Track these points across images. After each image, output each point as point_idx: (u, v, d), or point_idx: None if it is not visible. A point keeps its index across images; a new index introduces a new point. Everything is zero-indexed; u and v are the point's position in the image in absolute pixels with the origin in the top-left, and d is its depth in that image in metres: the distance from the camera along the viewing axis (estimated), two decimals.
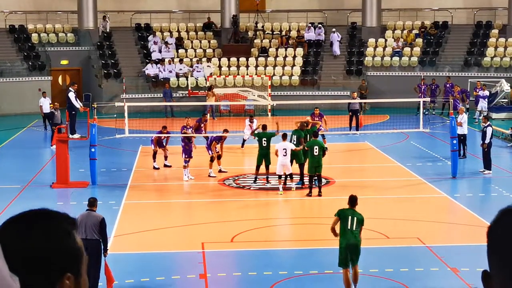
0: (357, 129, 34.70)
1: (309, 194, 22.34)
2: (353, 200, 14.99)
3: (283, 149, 22.89)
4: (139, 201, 22.44)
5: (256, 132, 25.54)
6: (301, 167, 23.86)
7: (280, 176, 23.04)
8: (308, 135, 24.23)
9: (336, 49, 45.51)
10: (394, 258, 16.96)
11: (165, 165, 26.77)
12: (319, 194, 22.37)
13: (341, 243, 14.44)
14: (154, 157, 26.57)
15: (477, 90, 38.91)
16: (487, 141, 25.18)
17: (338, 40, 45.57)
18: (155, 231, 19.22)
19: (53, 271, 2.02)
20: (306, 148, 22.96)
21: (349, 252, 14.39)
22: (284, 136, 23.36)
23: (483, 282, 2.03)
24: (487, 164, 25.37)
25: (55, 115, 31.16)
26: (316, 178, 22.53)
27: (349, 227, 14.42)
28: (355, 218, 14.50)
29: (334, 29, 45.40)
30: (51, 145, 30.98)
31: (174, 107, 41.04)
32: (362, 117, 35.28)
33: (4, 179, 25.12)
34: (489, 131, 25.34)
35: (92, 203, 15.05)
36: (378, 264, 16.30)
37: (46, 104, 35.14)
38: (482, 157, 25.72)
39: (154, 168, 26.59)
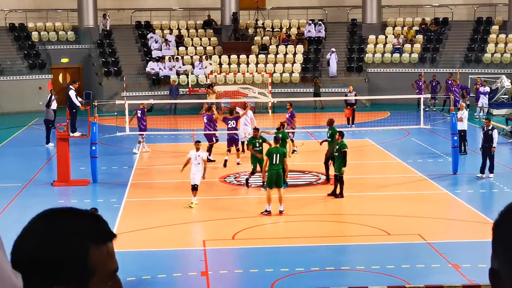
0: (352, 123, 35.02)
1: (336, 194, 22.08)
2: (277, 139, 20.83)
3: (196, 158, 21.13)
4: (140, 199, 22.45)
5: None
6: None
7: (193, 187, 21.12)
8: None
9: (333, 70, 44.42)
10: (395, 255, 16.97)
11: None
12: (342, 195, 22.10)
13: (269, 172, 20.05)
14: (210, 149, 27.14)
15: (477, 85, 38.93)
16: (494, 144, 24.36)
17: (336, 61, 44.37)
18: (156, 229, 19.23)
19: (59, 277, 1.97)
20: (345, 150, 21.95)
21: (275, 178, 19.93)
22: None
23: (491, 280, 2.00)
24: (491, 167, 24.41)
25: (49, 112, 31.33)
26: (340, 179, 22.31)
27: (274, 162, 19.97)
28: (279, 154, 20.03)
29: (333, 49, 44.53)
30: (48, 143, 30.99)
31: (176, 105, 41.03)
32: (347, 110, 35.46)
33: (5, 178, 25.12)
34: (495, 134, 24.57)
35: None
36: (379, 261, 16.31)
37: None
38: (482, 160, 24.50)
39: (210, 160, 26.54)
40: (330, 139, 23.61)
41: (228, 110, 28.68)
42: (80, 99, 32.19)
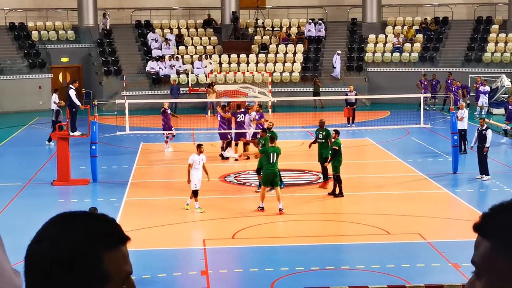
0: (352, 122, 35.02)
1: (338, 194, 22.09)
2: (272, 139, 20.94)
3: (200, 162, 20.51)
4: (140, 198, 22.45)
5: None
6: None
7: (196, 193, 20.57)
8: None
9: (337, 72, 44.07)
10: (395, 254, 16.97)
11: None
12: (342, 194, 22.06)
13: (265, 171, 20.31)
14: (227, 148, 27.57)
15: (477, 84, 38.92)
16: (487, 144, 23.79)
17: (338, 65, 44.07)
18: (156, 228, 19.23)
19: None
20: (336, 147, 21.97)
21: (271, 178, 20.18)
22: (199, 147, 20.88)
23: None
24: (485, 169, 24.02)
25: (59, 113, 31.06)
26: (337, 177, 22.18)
27: (271, 161, 20.14)
28: (275, 153, 20.24)
29: (339, 51, 44.30)
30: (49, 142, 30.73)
31: (176, 104, 40.99)
32: (347, 109, 35.41)
33: (5, 177, 25.12)
34: (489, 134, 23.98)
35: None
36: (379, 260, 16.31)
37: (56, 100, 34.43)
38: (478, 162, 24.25)
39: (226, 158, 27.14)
40: (323, 141, 23.17)
41: (236, 106, 28.85)
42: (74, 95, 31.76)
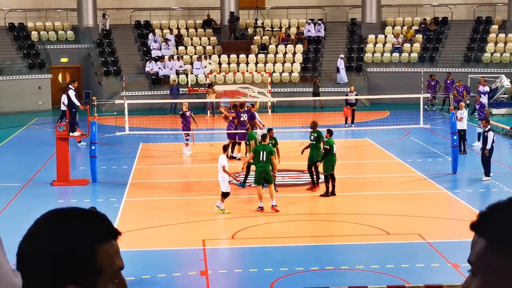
0: (352, 122, 35.00)
1: (327, 194, 22.03)
2: (263, 137, 20.99)
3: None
4: (140, 199, 22.45)
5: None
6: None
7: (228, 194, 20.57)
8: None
9: (343, 77, 43.81)
10: (395, 254, 16.98)
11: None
12: (333, 193, 22.15)
13: (256, 170, 20.44)
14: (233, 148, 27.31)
15: (480, 85, 38.89)
16: (488, 146, 23.46)
17: (343, 68, 43.81)
18: (156, 228, 19.24)
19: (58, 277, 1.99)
20: (327, 147, 21.91)
21: (263, 175, 20.13)
22: (225, 148, 21.12)
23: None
24: (486, 170, 23.85)
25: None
26: (329, 177, 22.11)
27: (260, 159, 20.20)
28: (265, 152, 20.23)
29: (342, 55, 44.17)
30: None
31: (176, 104, 40.98)
32: (346, 109, 35.38)
33: (5, 177, 25.12)
34: (490, 136, 23.58)
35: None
36: (378, 260, 16.32)
37: (66, 101, 33.81)
38: (482, 163, 24.02)
39: (234, 157, 26.89)
40: (314, 142, 22.76)
41: (239, 104, 28.77)
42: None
